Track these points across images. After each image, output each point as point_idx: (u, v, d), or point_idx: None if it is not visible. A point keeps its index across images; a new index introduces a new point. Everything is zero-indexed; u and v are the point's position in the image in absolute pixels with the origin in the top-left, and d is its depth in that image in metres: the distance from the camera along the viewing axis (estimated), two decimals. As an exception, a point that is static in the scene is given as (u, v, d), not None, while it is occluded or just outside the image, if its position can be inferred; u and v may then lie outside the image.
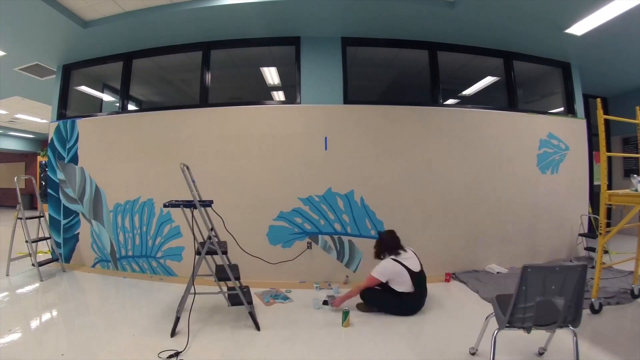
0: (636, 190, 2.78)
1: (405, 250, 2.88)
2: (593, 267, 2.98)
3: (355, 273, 3.75)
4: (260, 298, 3.26)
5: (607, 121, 6.82)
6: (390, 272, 2.73)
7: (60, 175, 4.43)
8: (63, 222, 4.42)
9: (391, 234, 2.96)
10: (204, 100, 4.10)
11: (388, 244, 2.89)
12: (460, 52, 4.27)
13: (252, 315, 2.59)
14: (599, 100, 3.24)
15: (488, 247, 4.06)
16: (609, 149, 6.41)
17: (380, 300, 2.83)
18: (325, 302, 3.00)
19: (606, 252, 4.68)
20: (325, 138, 3.80)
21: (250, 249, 3.75)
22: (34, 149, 12.44)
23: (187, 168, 2.63)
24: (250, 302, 2.62)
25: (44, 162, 11.12)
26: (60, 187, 4.43)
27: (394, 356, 2.21)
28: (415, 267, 2.77)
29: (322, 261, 3.76)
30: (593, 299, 2.76)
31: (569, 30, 3.77)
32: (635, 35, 3.84)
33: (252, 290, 3.11)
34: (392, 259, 2.78)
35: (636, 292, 3.06)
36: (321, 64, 3.94)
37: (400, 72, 5.22)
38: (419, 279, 2.76)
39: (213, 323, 2.68)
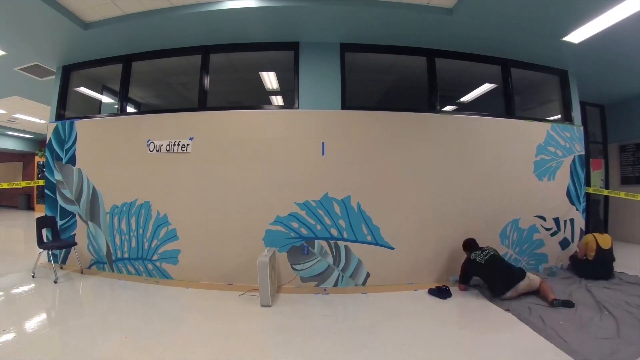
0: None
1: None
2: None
3: (351, 278, 3.76)
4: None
5: (604, 128, 6.86)
6: None
7: (57, 176, 4.43)
8: (59, 223, 4.40)
9: None
10: (202, 103, 4.11)
11: None
12: (458, 59, 4.29)
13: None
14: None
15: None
16: (605, 156, 6.44)
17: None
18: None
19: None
20: (323, 143, 3.81)
21: (247, 253, 3.76)
22: (32, 149, 12.43)
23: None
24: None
25: (41, 162, 11.11)
26: (57, 188, 4.42)
27: None
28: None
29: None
30: None
31: (567, 38, 3.80)
32: (633, 43, 3.87)
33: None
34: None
35: None
36: (320, 69, 3.96)
37: (398, 79, 5.24)
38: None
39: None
